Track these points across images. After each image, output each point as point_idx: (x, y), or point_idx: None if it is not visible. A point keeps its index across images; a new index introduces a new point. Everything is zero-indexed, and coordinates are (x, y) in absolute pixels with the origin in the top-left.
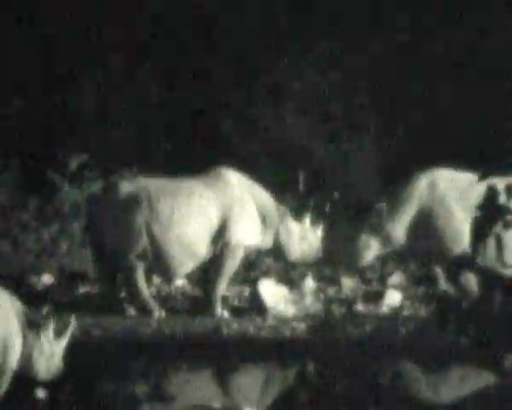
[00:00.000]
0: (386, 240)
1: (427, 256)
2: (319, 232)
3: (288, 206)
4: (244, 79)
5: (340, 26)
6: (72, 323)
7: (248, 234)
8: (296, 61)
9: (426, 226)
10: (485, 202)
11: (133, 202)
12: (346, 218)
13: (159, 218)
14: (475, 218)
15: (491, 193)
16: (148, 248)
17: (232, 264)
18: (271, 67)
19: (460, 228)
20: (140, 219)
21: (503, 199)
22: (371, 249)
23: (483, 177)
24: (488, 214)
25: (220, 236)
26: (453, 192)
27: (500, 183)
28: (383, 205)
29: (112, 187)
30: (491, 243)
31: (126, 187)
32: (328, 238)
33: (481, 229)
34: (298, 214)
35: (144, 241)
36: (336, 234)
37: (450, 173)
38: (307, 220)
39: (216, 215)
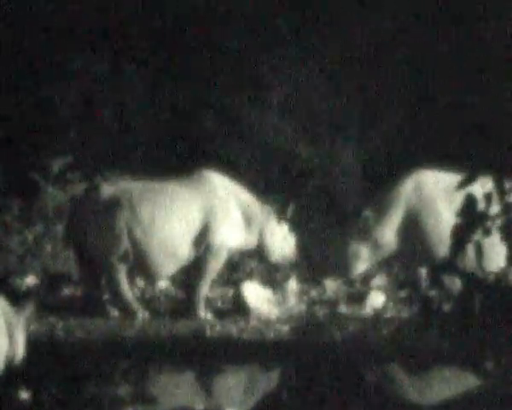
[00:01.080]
0: (375, 247)
1: (414, 259)
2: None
3: (271, 207)
4: (229, 78)
5: (325, 25)
6: (30, 307)
7: (231, 236)
8: (281, 61)
9: (413, 229)
10: (465, 209)
11: (115, 204)
12: (332, 226)
13: (140, 220)
14: (455, 224)
15: (471, 200)
16: (130, 250)
17: (215, 266)
18: (256, 66)
19: (447, 230)
20: (121, 221)
21: (482, 206)
22: (362, 259)
23: (467, 180)
24: (468, 221)
25: (202, 238)
26: (440, 193)
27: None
28: (369, 213)
29: (94, 189)
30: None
31: (108, 189)
32: (312, 246)
33: (461, 235)
34: (280, 215)
35: (125, 243)
36: (322, 243)
37: (436, 174)
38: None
39: (198, 217)
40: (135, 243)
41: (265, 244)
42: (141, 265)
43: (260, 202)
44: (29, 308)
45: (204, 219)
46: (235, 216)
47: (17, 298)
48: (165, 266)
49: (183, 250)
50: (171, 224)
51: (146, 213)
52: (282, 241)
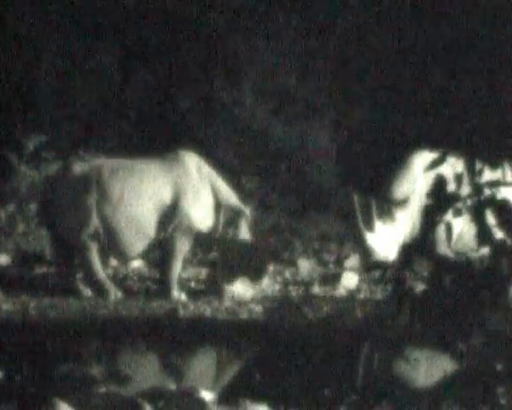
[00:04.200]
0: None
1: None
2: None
3: (246, 190)
4: (203, 58)
5: (301, 5)
6: None
7: (199, 219)
8: (255, 40)
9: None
10: (435, 190)
11: (84, 182)
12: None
13: (109, 198)
14: (425, 205)
15: (440, 181)
16: (100, 228)
17: (182, 247)
18: (230, 46)
19: None
20: (91, 199)
21: (452, 187)
22: (386, 238)
23: (438, 161)
24: (438, 202)
25: (171, 218)
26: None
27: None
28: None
29: (65, 168)
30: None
31: (78, 168)
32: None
33: (431, 216)
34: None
35: (95, 221)
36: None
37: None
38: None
39: (167, 197)
40: (104, 221)
41: (236, 234)
42: (110, 243)
43: (235, 191)
44: None
45: (173, 198)
46: (206, 200)
47: None
48: (134, 244)
49: (151, 229)
50: (140, 202)
51: (115, 190)
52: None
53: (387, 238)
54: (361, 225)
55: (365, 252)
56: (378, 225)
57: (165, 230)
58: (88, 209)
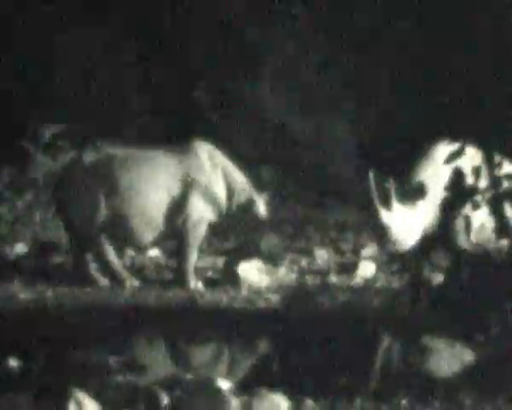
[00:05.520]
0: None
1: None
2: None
3: (262, 182)
4: (222, 50)
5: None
6: None
7: (210, 210)
8: (274, 32)
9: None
10: (453, 184)
11: (94, 171)
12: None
13: (118, 187)
14: (444, 198)
15: (459, 174)
16: (110, 218)
17: (196, 237)
18: (249, 38)
19: None
20: (101, 189)
21: (470, 180)
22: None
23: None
24: (456, 195)
25: (180, 208)
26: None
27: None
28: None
29: (77, 157)
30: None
31: (90, 157)
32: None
33: (450, 209)
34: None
35: (105, 211)
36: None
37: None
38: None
39: (177, 189)
40: (113, 210)
41: (251, 219)
42: (120, 232)
43: (250, 181)
44: None
45: (183, 190)
46: (219, 190)
47: (6, 266)
48: (142, 233)
49: (159, 219)
50: (148, 192)
51: (124, 180)
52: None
53: (406, 221)
54: (376, 200)
55: (379, 228)
56: (397, 206)
57: (174, 221)
58: (98, 199)
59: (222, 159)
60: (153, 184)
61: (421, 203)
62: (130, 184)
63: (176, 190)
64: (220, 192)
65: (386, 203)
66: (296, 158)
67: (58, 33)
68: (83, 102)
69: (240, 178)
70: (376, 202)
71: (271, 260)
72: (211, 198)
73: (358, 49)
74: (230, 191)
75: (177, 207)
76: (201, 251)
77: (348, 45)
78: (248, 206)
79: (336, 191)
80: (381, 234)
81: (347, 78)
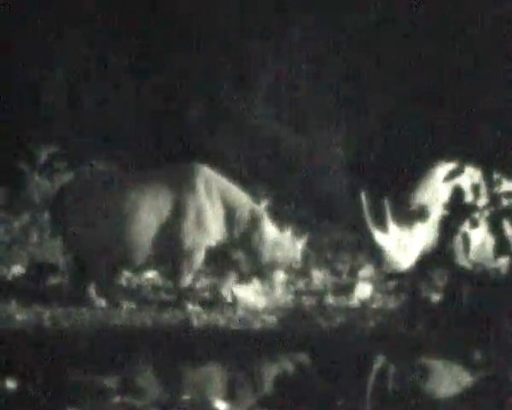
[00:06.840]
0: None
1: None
2: (299, 244)
3: (262, 204)
4: (215, 66)
5: (310, 11)
6: None
7: (205, 236)
8: (266, 47)
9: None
10: (452, 201)
11: (89, 193)
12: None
13: (110, 209)
14: (442, 216)
15: (458, 192)
16: (105, 239)
17: (189, 263)
18: (240, 53)
19: None
20: (94, 210)
21: (469, 198)
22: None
23: (455, 172)
24: (455, 213)
25: (172, 234)
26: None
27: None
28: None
29: (73, 178)
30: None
31: (85, 178)
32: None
33: (448, 227)
34: (279, 222)
35: (99, 232)
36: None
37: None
38: (289, 229)
39: (167, 214)
40: (107, 232)
41: (253, 246)
42: (113, 253)
43: (251, 201)
44: None
45: (174, 214)
46: (215, 214)
47: (3, 287)
48: (132, 256)
49: (148, 243)
50: (137, 215)
51: (116, 201)
52: (274, 247)
53: (402, 242)
54: (368, 222)
55: (373, 249)
56: (393, 227)
57: (165, 245)
58: (92, 220)
59: (218, 180)
60: (142, 208)
61: (418, 224)
62: (122, 206)
63: (166, 214)
64: (217, 216)
65: (382, 224)
66: (289, 177)
67: (52, 52)
68: (77, 122)
69: (239, 194)
70: (368, 223)
71: (267, 279)
72: (205, 224)
73: (352, 64)
74: (231, 210)
75: (168, 232)
76: (198, 272)
77: (340, 61)
78: (254, 222)
79: (330, 211)
80: (375, 255)
81: (340, 94)
